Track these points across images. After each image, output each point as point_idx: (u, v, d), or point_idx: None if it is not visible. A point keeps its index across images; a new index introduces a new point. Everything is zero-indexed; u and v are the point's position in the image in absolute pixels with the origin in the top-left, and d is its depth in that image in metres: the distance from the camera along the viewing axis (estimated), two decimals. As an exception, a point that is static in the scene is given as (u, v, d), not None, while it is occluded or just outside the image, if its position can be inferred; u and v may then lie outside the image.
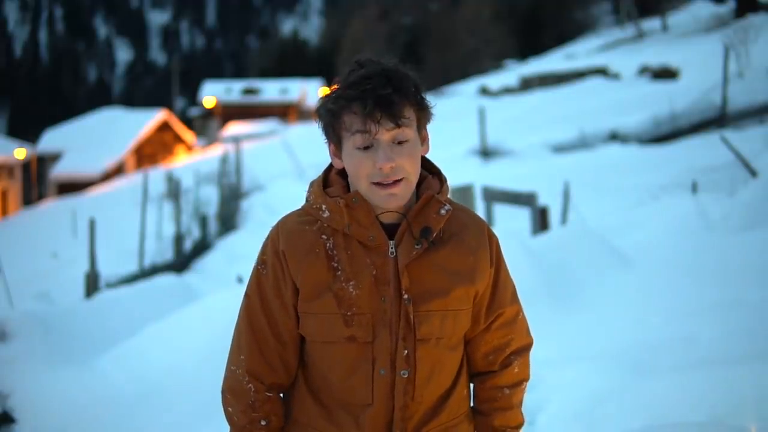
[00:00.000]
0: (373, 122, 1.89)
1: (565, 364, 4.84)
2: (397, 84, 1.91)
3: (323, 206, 1.98)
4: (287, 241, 1.98)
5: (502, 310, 2.08)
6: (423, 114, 1.97)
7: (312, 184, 2.04)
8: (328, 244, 1.97)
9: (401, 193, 1.93)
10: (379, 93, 1.88)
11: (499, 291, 2.07)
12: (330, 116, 1.96)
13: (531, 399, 4.49)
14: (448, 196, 2.06)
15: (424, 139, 2.01)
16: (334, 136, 1.98)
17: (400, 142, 1.92)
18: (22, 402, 4.69)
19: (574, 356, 5.03)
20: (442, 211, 1.98)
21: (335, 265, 1.95)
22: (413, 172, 1.94)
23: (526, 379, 2.14)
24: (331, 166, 2.07)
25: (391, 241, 1.96)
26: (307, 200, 2.03)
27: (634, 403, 4.20)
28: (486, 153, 18.17)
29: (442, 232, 1.99)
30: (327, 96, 1.98)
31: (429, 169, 2.06)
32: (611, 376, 4.58)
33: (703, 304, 5.53)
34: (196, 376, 4.84)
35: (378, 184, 1.92)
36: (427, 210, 1.97)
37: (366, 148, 1.91)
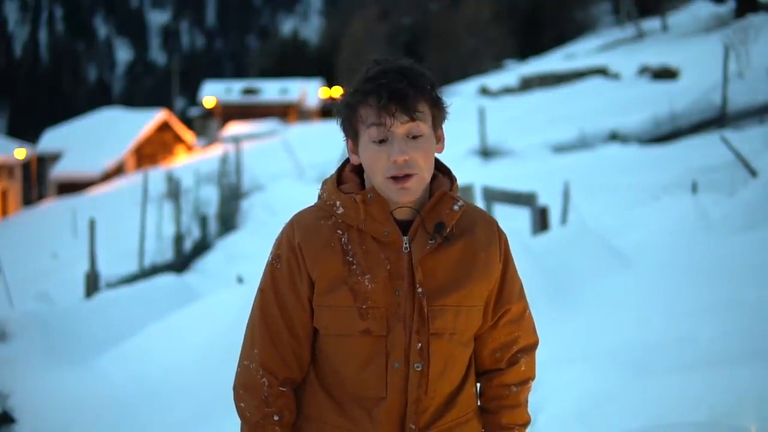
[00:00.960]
0: (388, 115, 1.93)
1: (564, 364, 4.84)
2: (413, 79, 1.96)
3: (337, 202, 2.01)
4: (303, 235, 2.01)
5: (509, 307, 2.10)
6: (438, 112, 2.01)
7: (325, 182, 2.07)
8: (343, 239, 2.00)
9: (414, 187, 1.96)
10: (394, 86, 1.93)
11: (507, 287, 2.10)
12: (347, 110, 2.00)
13: (531, 399, 4.48)
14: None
15: (439, 138, 2.05)
16: (351, 130, 2.01)
17: (414, 137, 1.96)
18: (22, 402, 4.69)
19: (574, 356, 5.03)
20: (456, 207, 2.01)
21: (350, 259, 1.98)
22: (426, 168, 1.97)
23: (533, 377, 2.15)
24: (344, 164, 2.10)
25: (405, 237, 1.99)
26: (320, 197, 2.06)
27: (634, 403, 4.21)
28: (486, 153, 18.18)
29: (454, 228, 2.02)
30: (345, 92, 2.02)
31: (439, 169, 2.10)
32: (611, 376, 4.59)
33: (702, 304, 5.53)
34: (196, 375, 4.84)
35: (392, 178, 1.95)
36: (440, 206, 2.00)
37: (381, 141, 1.95)
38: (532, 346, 2.15)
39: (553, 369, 4.77)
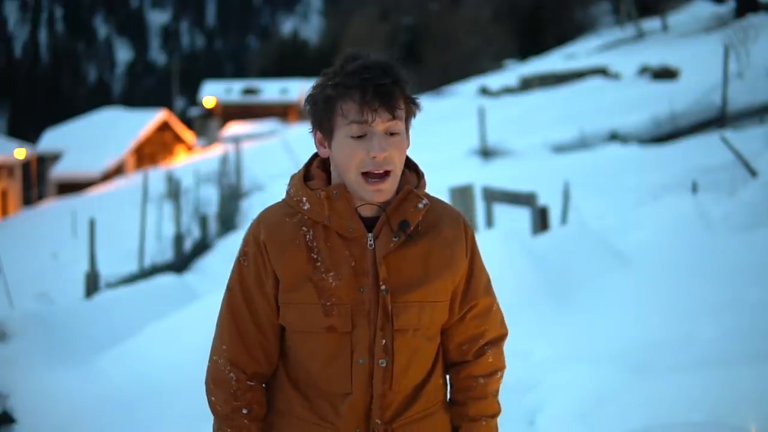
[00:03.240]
0: (371, 111, 1.93)
1: (565, 364, 4.84)
2: (395, 76, 1.96)
3: (303, 199, 2.02)
4: (268, 233, 2.02)
5: (476, 301, 2.11)
6: (411, 109, 2.02)
7: (293, 177, 2.08)
8: (308, 236, 2.01)
9: (388, 188, 1.97)
10: (378, 82, 1.93)
11: (474, 282, 2.11)
12: (326, 102, 1.98)
13: (531, 399, 4.49)
14: (427, 191, 2.10)
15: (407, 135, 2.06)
16: (326, 123, 2.00)
17: (392, 134, 1.97)
18: (22, 402, 4.69)
19: (574, 356, 5.03)
20: (420, 206, 2.02)
21: (315, 256, 2.00)
22: (400, 165, 2.00)
23: (501, 368, 2.16)
24: (311, 159, 2.11)
25: (370, 234, 2.00)
26: (287, 193, 2.07)
27: (634, 403, 4.21)
28: (486, 153, 18.17)
29: (419, 224, 2.03)
30: (321, 84, 2.00)
31: (406, 164, 2.10)
32: (611, 376, 4.58)
33: (702, 304, 5.53)
34: (195, 375, 4.82)
35: (367, 175, 1.95)
36: (405, 204, 2.01)
37: (360, 137, 1.95)
38: (500, 338, 2.16)
39: (553, 369, 4.77)
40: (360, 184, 1.97)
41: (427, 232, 2.04)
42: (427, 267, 2.02)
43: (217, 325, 2.13)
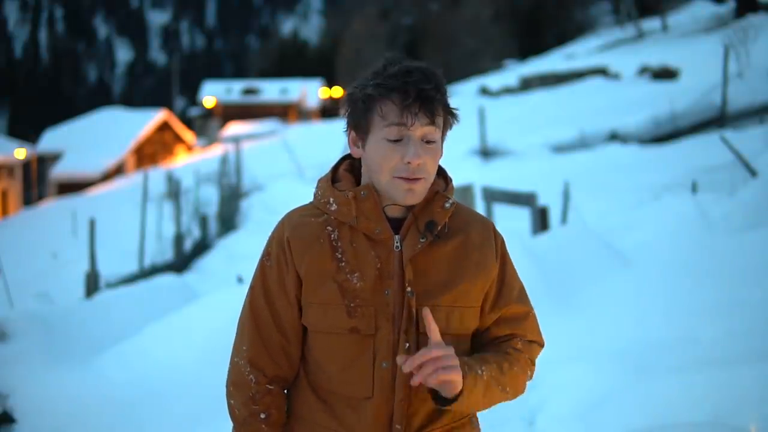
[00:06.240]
0: (411, 115, 1.91)
1: (565, 364, 4.83)
2: (438, 83, 1.95)
3: (331, 199, 2.00)
4: (292, 231, 2.00)
5: (508, 308, 2.07)
6: (448, 120, 2.00)
7: (320, 181, 2.06)
8: (332, 236, 1.98)
9: (420, 190, 1.95)
10: (421, 87, 1.91)
11: (505, 289, 2.07)
12: (366, 102, 1.96)
13: (531, 399, 4.49)
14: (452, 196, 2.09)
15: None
16: (363, 123, 1.97)
17: (428, 142, 1.95)
18: (22, 402, 4.68)
19: (574, 356, 5.03)
20: (447, 205, 2.00)
21: (339, 256, 1.97)
22: (432, 174, 1.98)
23: (539, 348, 2.11)
24: (339, 163, 2.09)
25: (397, 235, 1.97)
26: (314, 196, 2.05)
27: (635, 404, 4.21)
28: (486, 153, 18.17)
29: (447, 227, 2.01)
30: (362, 83, 1.98)
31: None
32: (611, 376, 4.58)
33: (703, 304, 5.53)
34: (196, 375, 4.84)
35: (401, 178, 1.94)
36: (432, 205, 1.99)
37: (396, 141, 1.93)
38: (535, 342, 2.10)
39: (553, 369, 4.76)
40: (392, 185, 1.94)
41: (455, 235, 2.01)
42: (456, 270, 1.99)
43: (238, 326, 2.08)
